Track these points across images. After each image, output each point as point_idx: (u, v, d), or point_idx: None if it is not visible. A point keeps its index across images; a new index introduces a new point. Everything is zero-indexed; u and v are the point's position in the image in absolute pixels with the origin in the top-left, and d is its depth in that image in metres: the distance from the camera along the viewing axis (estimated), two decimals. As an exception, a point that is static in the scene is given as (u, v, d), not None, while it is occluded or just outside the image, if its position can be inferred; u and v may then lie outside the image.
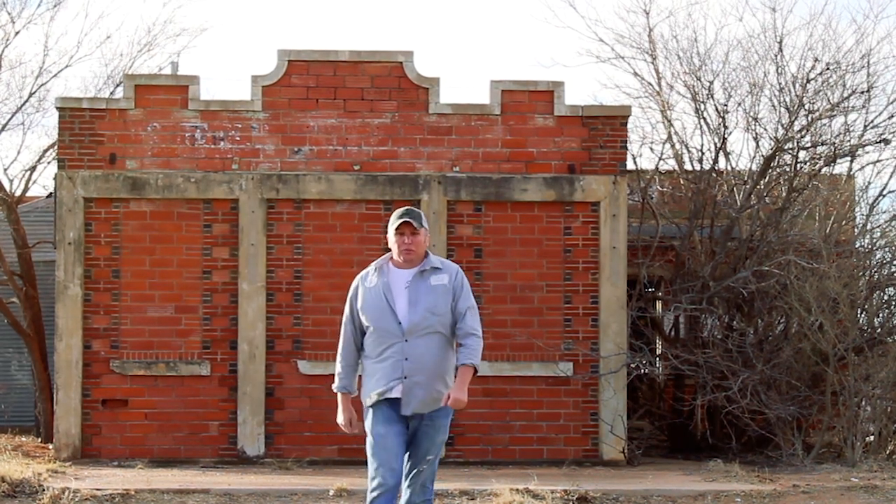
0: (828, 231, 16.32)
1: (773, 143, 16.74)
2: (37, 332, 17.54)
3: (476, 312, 7.46)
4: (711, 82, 17.25)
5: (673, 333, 18.01)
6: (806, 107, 16.64)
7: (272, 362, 15.10)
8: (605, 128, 15.43)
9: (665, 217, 17.25)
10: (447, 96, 15.43)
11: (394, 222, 7.42)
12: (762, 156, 16.87)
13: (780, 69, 16.93)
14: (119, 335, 15.07)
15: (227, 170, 15.20)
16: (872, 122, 16.80)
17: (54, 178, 15.29)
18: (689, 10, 25.77)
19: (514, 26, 47.88)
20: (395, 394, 7.35)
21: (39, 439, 17.23)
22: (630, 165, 16.23)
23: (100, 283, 15.08)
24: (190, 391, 15.05)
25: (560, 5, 34.21)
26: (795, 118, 16.62)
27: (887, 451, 14.92)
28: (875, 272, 16.55)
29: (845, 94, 16.69)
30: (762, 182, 16.79)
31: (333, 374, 15.73)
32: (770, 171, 16.84)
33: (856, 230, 17.13)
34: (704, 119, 17.22)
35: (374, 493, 7.26)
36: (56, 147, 15.91)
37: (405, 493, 7.41)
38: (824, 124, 16.77)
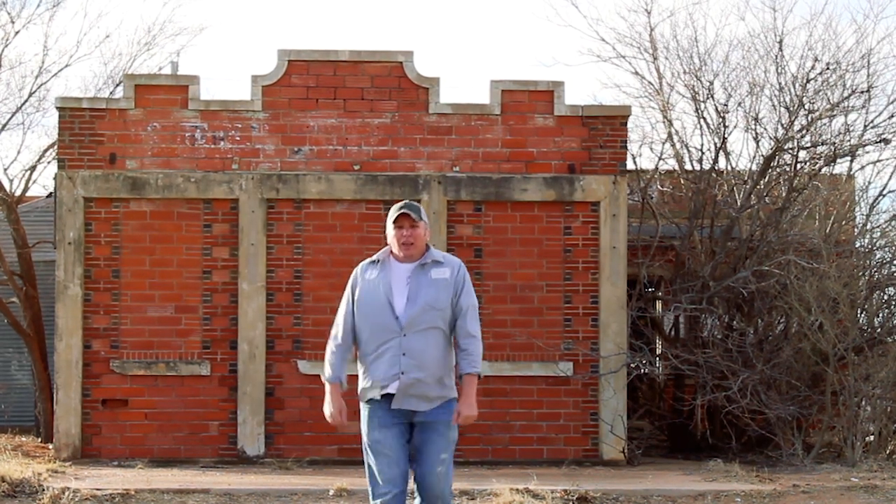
0: (828, 231, 16.32)
1: (773, 143, 16.74)
2: (37, 332, 17.54)
3: (476, 311, 7.28)
4: (711, 82, 17.26)
5: (673, 333, 18.01)
6: (806, 107, 16.64)
7: (272, 362, 15.11)
8: (605, 128, 15.44)
9: (665, 217, 17.25)
10: (447, 96, 15.45)
11: (392, 215, 7.23)
12: (762, 156, 16.88)
13: (780, 69, 16.94)
14: (119, 335, 15.08)
15: (227, 170, 15.20)
16: (872, 122, 16.81)
17: (54, 178, 15.30)
18: (689, 11, 25.76)
19: (514, 25, 47.89)
20: (391, 389, 7.07)
21: (39, 439, 17.23)
22: (630, 165, 16.24)
23: (100, 283, 15.09)
24: (190, 391, 15.06)
25: (562, 4, 34.20)
26: (795, 118, 16.63)
27: (887, 451, 14.92)
28: (875, 272, 16.56)
29: (845, 94, 16.69)
30: (762, 182, 16.80)
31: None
32: (770, 171, 16.84)
33: (856, 230, 17.13)
34: (704, 119, 17.23)
35: (378, 502, 7.03)
36: (56, 147, 15.91)
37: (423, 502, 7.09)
38: (824, 124, 16.78)
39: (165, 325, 15.08)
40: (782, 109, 16.84)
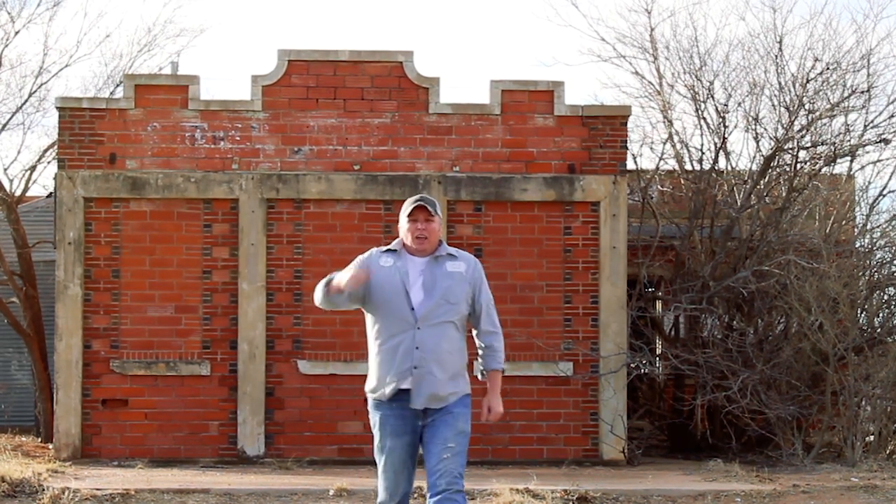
0: (828, 231, 16.33)
1: (773, 143, 16.74)
2: (37, 332, 17.54)
3: (494, 306, 7.12)
4: (712, 82, 17.27)
5: (673, 333, 18.01)
6: (806, 107, 16.64)
7: (272, 362, 15.11)
8: (606, 127, 15.43)
9: (665, 217, 17.25)
10: (447, 96, 15.45)
11: (407, 208, 6.97)
12: (762, 156, 16.88)
13: (780, 69, 16.94)
14: (119, 335, 15.08)
15: (227, 170, 15.20)
16: (872, 122, 16.82)
17: (54, 178, 15.30)
18: (689, 11, 25.75)
19: (515, 25, 47.89)
20: (405, 384, 6.84)
21: (39, 439, 17.23)
22: (630, 165, 16.24)
23: (100, 283, 15.09)
24: (190, 391, 15.06)
25: (562, 3, 34.15)
26: (795, 118, 16.63)
27: (887, 451, 14.92)
28: (875, 272, 16.55)
29: (845, 94, 16.69)
30: (762, 182, 16.80)
31: (333, 374, 15.60)
32: (770, 171, 16.84)
33: (856, 230, 17.13)
34: (704, 119, 17.23)
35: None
36: (56, 147, 15.91)
37: (432, 485, 6.88)
38: (824, 124, 16.78)
39: (165, 325, 15.08)
40: (782, 109, 16.85)
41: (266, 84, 15.24)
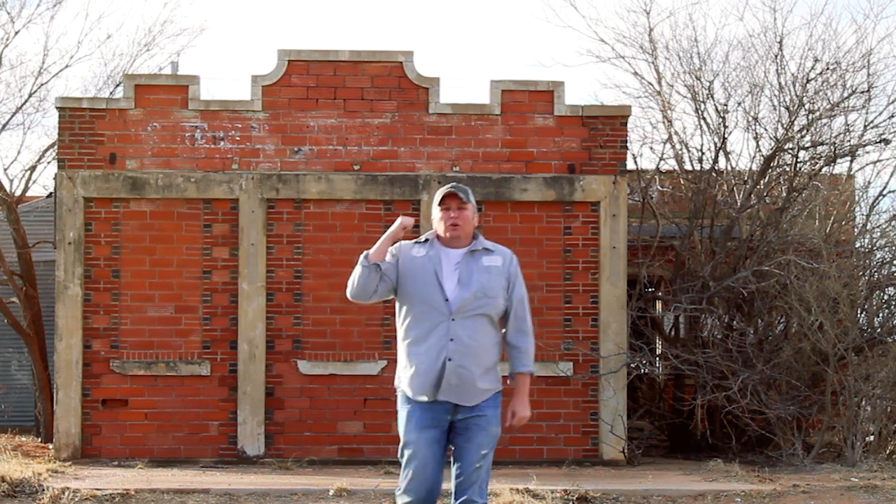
0: (828, 231, 16.32)
1: (773, 143, 16.74)
2: (37, 332, 17.54)
3: (528, 304, 6.86)
4: (711, 82, 17.26)
5: (673, 333, 18.00)
6: (806, 107, 16.64)
7: (272, 362, 15.11)
8: (605, 128, 15.44)
9: (665, 217, 17.25)
10: (447, 96, 15.45)
11: (438, 196, 6.77)
12: (762, 156, 16.88)
13: (780, 69, 16.93)
14: (119, 335, 15.08)
15: (227, 170, 15.20)
16: (872, 122, 16.81)
17: (54, 178, 15.29)
18: (689, 11, 25.78)
19: (514, 26, 47.89)
20: (437, 377, 6.59)
21: (39, 439, 17.23)
22: (630, 165, 16.24)
23: (100, 283, 15.09)
24: (190, 391, 15.06)
25: (561, 4, 34.19)
26: (795, 118, 16.63)
27: (887, 451, 14.91)
28: (875, 272, 16.55)
29: (845, 94, 16.69)
30: (762, 182, 16.79)
31: (333, 374, 15.60)
32: (770, 171, 16.84)
33: (856, 230, 17.12)
34: (704, 119, 17.23)
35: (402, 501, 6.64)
36: (56, 147, 15.91)
37: (461, 490, 6.60)
38: (824, 124, 16.77)
39: (165, 325, 15.08)
40: (782, 109, 16.85)
41: (266, 84, 15.24)
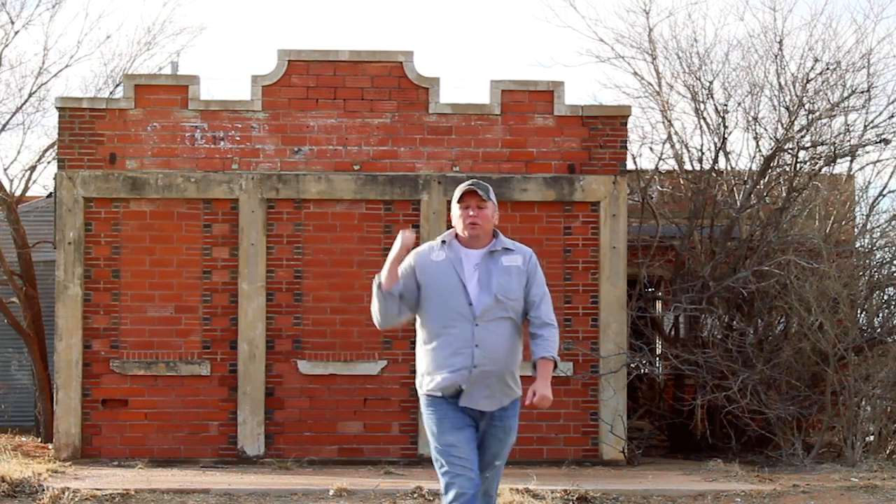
0: (828, 231, 16.32)
1: (773, 143, 16.74)
2: (37, 332, 17.54)
3: (550, 300, 6.76)
4: (711, 82, 17.26)
5: (673, 333, 18.00)
6: (806, 107, 16.64)
7: (272, 362, 15.10)
8: (605, 128, 15.43)
9: (665, 217, 17.25)
10: (447, 96, 15.45)
11: (457, 193, 6.58)
12: (762, 156, 16.88)
13: (780, 69, 16.93)
14: (119, 335, 15.07)
15: (227, 170, 15.20)
16: (872, 122, 16.81)
17: (54, 178, 15.29)
18: (688, 11, 25.73)
19: (514, 26, 47.89)
20: (462, 382, 6.50)
21: (39, 439, 17.23)
22: (630, 165, 16.24)
23: (100, 283, 15.08)
24: (190, 391, 15.05)
25: (560, 5, 34.21)
26: (795, 118, 16.63)
27: (887, 451, 14.91)
28: (875, 272, 16.55)
29: (845, 94, 16.69)
30: (762, 182, 16.79)
31: (333, 374, 15.62)
32: (770, 171, 16.84)
33: (856, 230, 17.12)
34: (704, 119, 17.22)
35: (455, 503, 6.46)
36: (56, 147, 15.91)
37: None
38: (824, 124, 16.77)
39: (165, 325, 15.08)
40: (782, 109, 16.84)
41: (266, 84, 15.24)
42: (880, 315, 16.33)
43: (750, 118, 17.09)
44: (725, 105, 17.12)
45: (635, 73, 18.18)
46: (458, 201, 6.61)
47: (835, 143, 16.67)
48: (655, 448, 16.83)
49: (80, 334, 14.96)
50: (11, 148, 33.57)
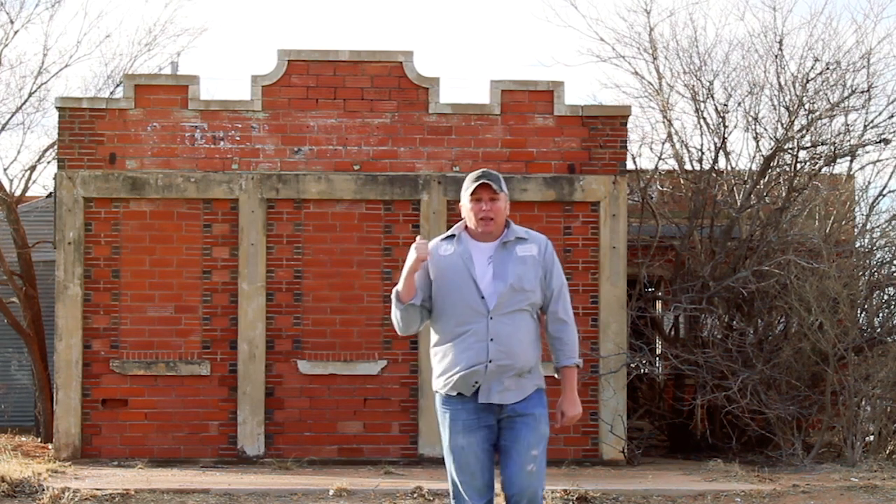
0: (828, 231, 16.32)
1: (773, 143, 16.74)
2: (37, 332, 17.54)
3: (567, 292, 6.46)
4: (711, 82, 17.26)
5: (673, 333, 18.00)
6: (806, 107, 16.64)
7: (272, 362, 15.10)
8: (605, 128, 15.43)
9: (665, 217, 17.25)
10: (447, 96, 15.45)
11: (468, 186, 6.33)
12: (762, 156, 16.88)
13: (780, 69, 16.93)
14: (119, 335, 15.08)
15: (227, 170, 15.20)
16: (872, 122, 16.81)
17: (54, 178, 15.29)
18: (689, 10, 25.79)
19: (514, 25, 47.90)
20: (479, 378, 6.25)
21: (39, 439, 17.23)
22: (630, 165, 16.24)
23: (100, 283, 15.08)
24: (190, 391, 15.05)
25: (561, 4, 34.21)
26: (795, 118, 16.62)
27: (887, 451, 14.92)
28: (875, 272, 16.55)
29: (845, 94, 16.69)
30: (762, 182, 16.79)
31: (333, 374, 15.63)
32: (770, 170, 16.84)
33: (856, 230, 17.13)
34: (704, 119, 17.23)
35: None
36: (56, 147, 15.91)
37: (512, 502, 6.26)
38: (824, 124, 16.78)
39: (165, 325, 15.08)
40: (782, 109, 16.84)
41: (266, 84, 15.24)
42: (880, 315, 16.33)
43: (750, 118, 17.10)
44: (725, 105, 17.12)
45: (635, 73, 18.20)
46: (471, 195, 6.36)
47: (835, 143, 16.67)
48: (655, 448, 16.83)
49: (80, 334, 14.96)
50: (11, 148, 33.60)
